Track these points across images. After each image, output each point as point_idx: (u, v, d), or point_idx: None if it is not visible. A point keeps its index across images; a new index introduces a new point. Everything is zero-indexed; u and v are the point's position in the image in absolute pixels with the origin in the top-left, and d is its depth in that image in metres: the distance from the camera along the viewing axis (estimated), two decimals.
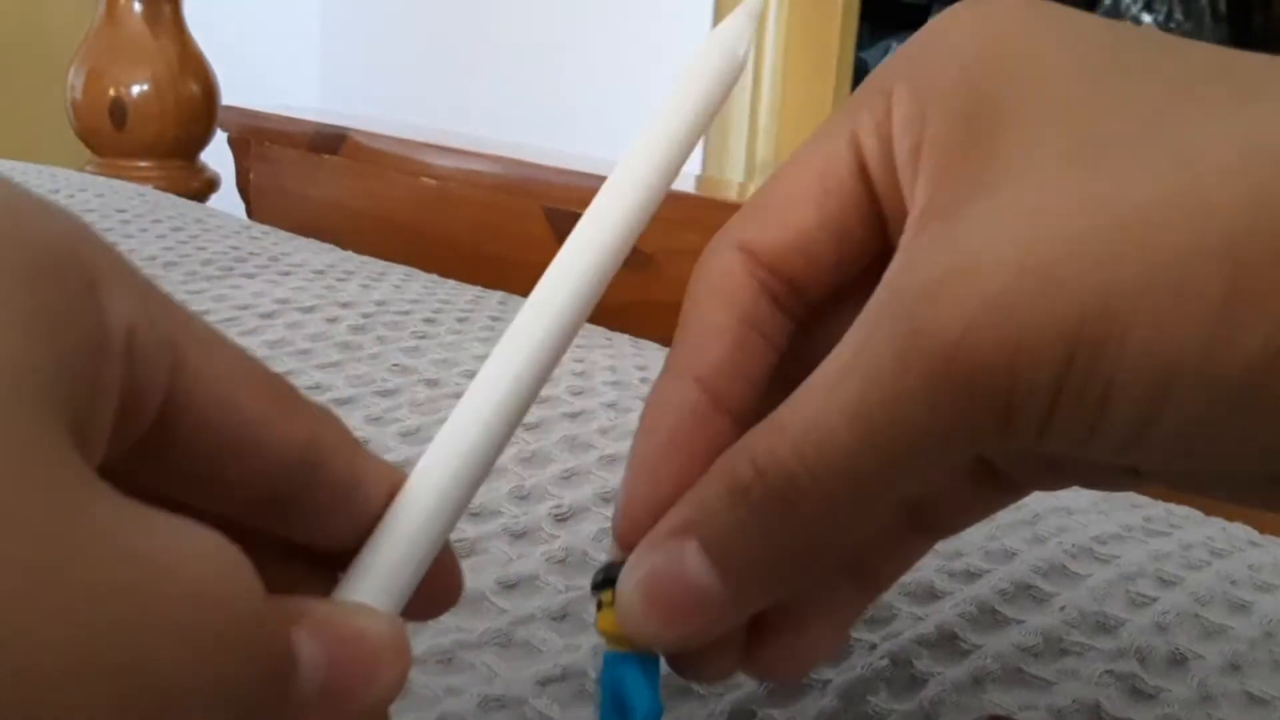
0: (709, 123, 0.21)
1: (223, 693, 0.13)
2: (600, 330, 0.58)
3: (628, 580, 0.20)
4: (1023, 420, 0.17)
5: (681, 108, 0.21)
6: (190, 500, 0.16)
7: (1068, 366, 0.16)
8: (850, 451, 0.17)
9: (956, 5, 0.21)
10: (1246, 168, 0.16)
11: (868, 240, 0.21)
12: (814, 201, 0.21)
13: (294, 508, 0.17)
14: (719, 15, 1.50)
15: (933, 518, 0.23)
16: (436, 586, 0.19)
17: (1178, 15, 2.09)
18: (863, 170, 0.20)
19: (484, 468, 0.18)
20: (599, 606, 0.20)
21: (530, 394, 0.19)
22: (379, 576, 0.17)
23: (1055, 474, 0.22)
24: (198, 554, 0.13)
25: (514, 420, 0.19)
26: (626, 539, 0.20)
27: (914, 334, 0.17)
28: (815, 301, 0.22)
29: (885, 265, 0.20)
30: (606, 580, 0.20)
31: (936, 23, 0.21)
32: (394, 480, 0.18)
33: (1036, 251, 0.16)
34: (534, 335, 0.19)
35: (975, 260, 0.17)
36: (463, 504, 0.18)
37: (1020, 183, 0.17)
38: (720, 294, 0.21)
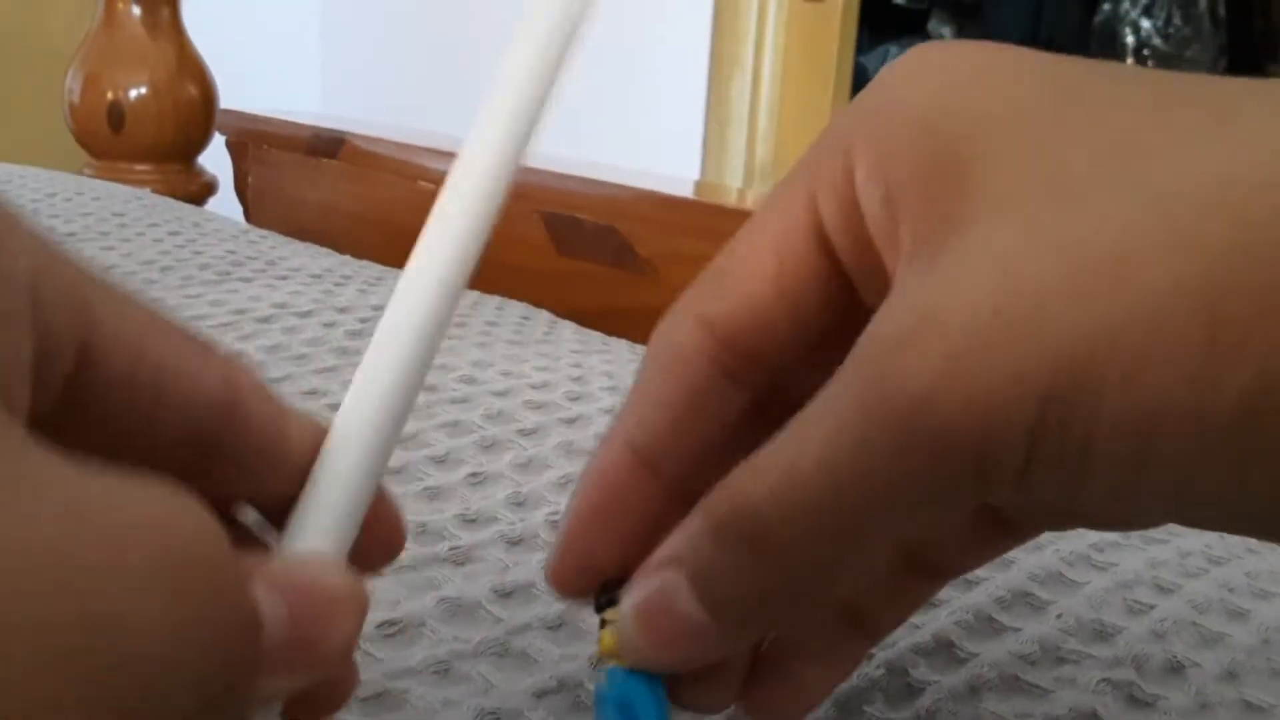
0: (563, 62, 0.19)
1: (198, 656, 0.12)
2: (597, 335, 0.58)
3: (625, 604, 0.20)
4: (998, 476, 0.16)
5: (528, 56, 0.19)
6: (114, 456, 0.16)
7: (1041, 421, 0.15)
8: (821, 499, 0.17)
9: (905, 56, 0.20)
10: (1222, 199, 0.15)
11: (832, 303, 0.21)
12: (769, 274, 0.20)
13: (218, 457, 0.17)
14: (719, 21, 1.51)
15: (935, 561, 0.23)
16: (378, 535, 0.19)
17: (1176, 20, 2.09)
18: (820, 235, 0.20)
19: (407, 405, 0.18)
20: (602, 624, 0.21)
21: (442, 324, 0.18)
22: (321, 525, 0.17)
23: (1059, 518, 0.22)
24: (155, 501, 0.13)
25: (430, 352, 0.18)
26: (555, 587, 0.22)
27: (879, 384, 0.16)
28: (777, 368, 0.21)
29: (859, 320, 0.20)
30: (610, 601, 0.21)
31: (886, 74, 0.20)
32: (316, 429, 0.18)
33: (1003, 300, 0.16)
34: (434, 271, 0.19)
35: (941, 310, 0.16)
36: (391, 443, 0.18)
37: (988, 225, 0.17)
38: (670, 367, 0.21)
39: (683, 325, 0.21)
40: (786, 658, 0.22)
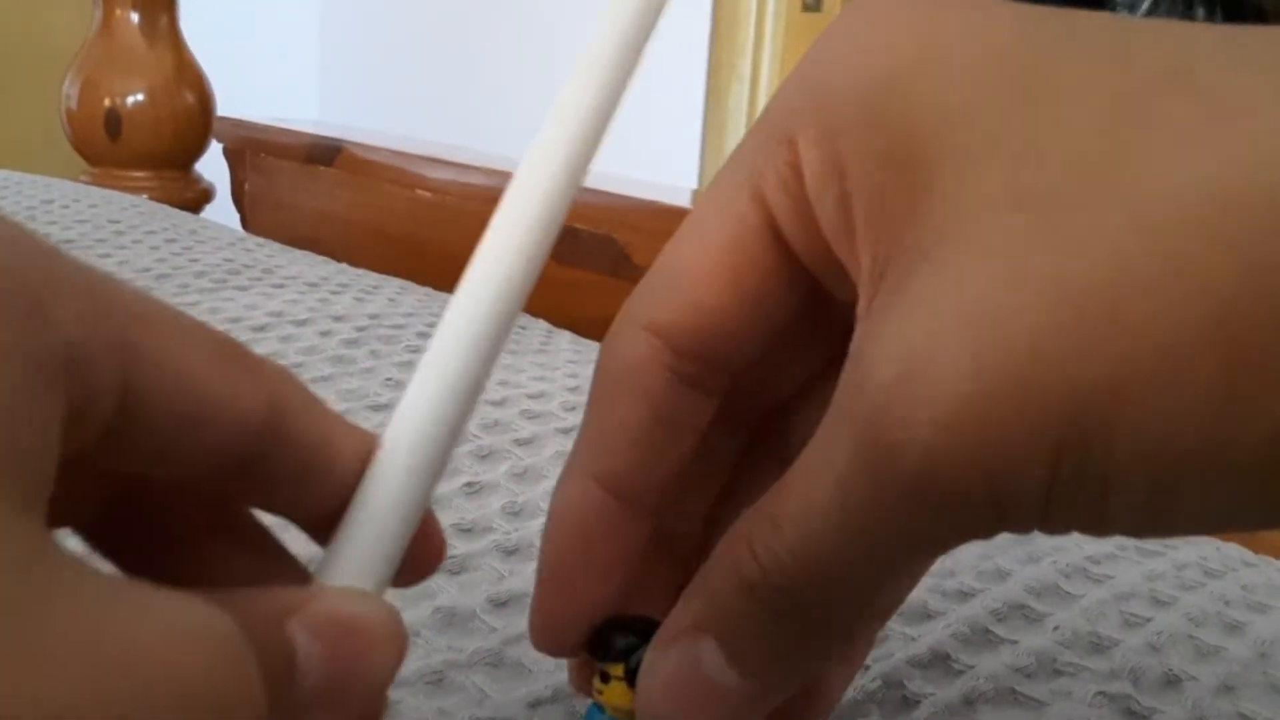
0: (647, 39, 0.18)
1: None
2: (594, 345, 0.58)
3: (651, 677, 0.19)
4: (1018, 519, 0.15)
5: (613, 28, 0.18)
6: (158, 474, 0.16)
7: (1053, 471, 0.14)
8: (845, 556, 0.17)
9: (845, 15, 0.18)
10: (1224, 221, 0.14)
11: (794, 295, 0.19)
12: (725, 278, 0.19)
13: (265, 475, 0.17)
14: (717, 30, 1.51)
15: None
16: (419, 551, 0.18)
17: None
18: (774, 232, 0.18)
19: (457, 428, 0.18)
20: (604, 678, 0.20)
21: (495, 348, 0.18)
22: (363, 552, 0.17)
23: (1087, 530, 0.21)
24: (175, 629, 0.12)
25: (482, 376, 0.18)
26: (541, 649, 0.21)
27: (875, 450, 0.15)
28: (740, 369, 0.20)
29: (825, 305, 0.19)
30: (618, 654, 0.20)
31: (826, 41, 0.18)
32: (365, 443, 0.17)
33: (993, 353, 0.14)
34: (490, 291, 0.18)
35: (925, 364, 0.15)
36: (440, 467, 0.17)
37: (960, 257, 0.15)
38: (628, 386, 0.19)
39: (633, 338, 0.19)
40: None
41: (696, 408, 0.20)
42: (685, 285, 0.19)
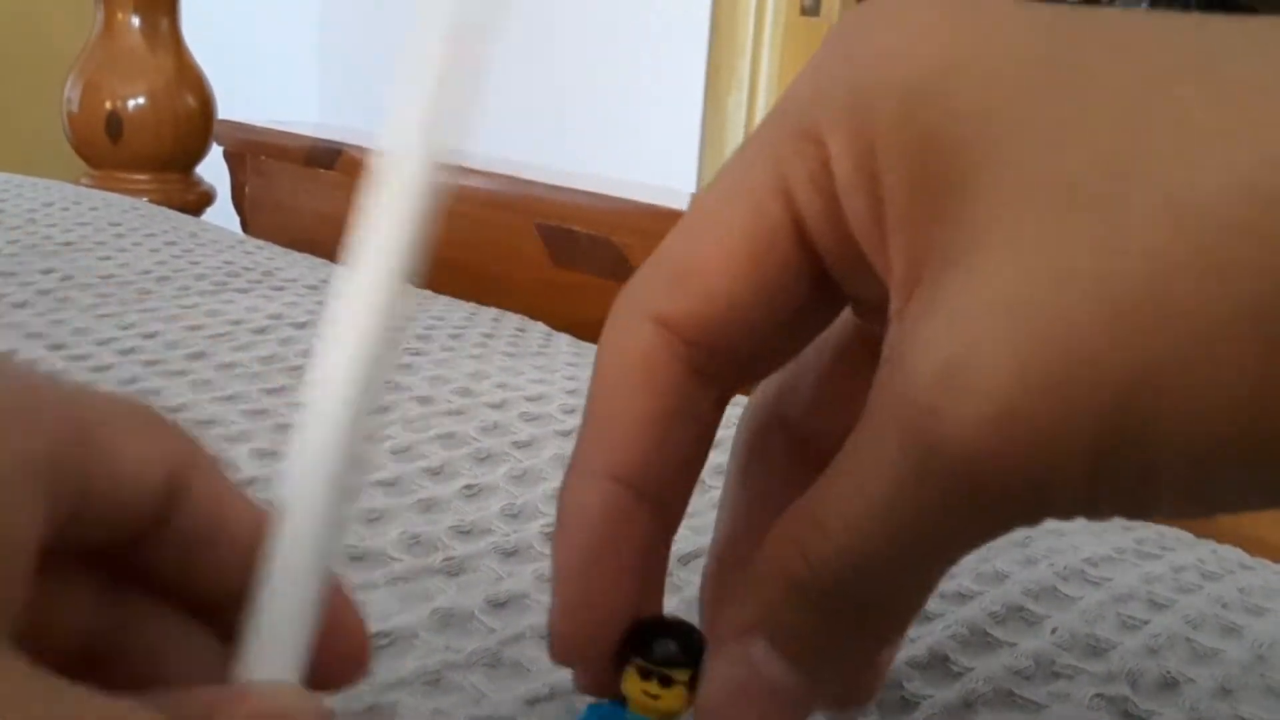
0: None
1: None
2: (593, 348, 0.57)
3: (710, 682, 0.19)
4: (1063, 508, 0.16)
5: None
6: (56, 545, 0.15)
7: (1097, 464, 0.15)
8: (892, 555, 0.17)
9: (869, 9, 0.18)
10: (1258, 216, 0.14)
11: (807, 290, 0.19)
12: (743, 269, 0.19)
13: (158, 548, 0.16)
14: (715, 35, 1.51)
15: None
16: (340, 650, 0.17)
17: None
18: (798, 228, 0.18)
19: (350, 489, 0.17)
20: (665, 681, 0.20)
21: (380, 367, 0.17)
22: (280, 639, 0.16)
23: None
24: None
25: (371, 401, 0.17)
26: (565, 659, 0.20)
27: (922, 449, 0.16)
28: (746, 358, 0.20)
29: (830, 298, 0.19)
30: (675, 659, 0.20)
31: (850, 36, 0.18)
32: (262, 518, 0.17)
33: (1032, 351, 0.15)
34: (362, 340, 0.17)
35: (967, 363, 0.15)
36: (341, 525, 0.17)
37: (997, 251, 0.15)
38: (639, 379, 0.19)
39: (640, 330, 0.19)
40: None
41: (705, 397, 0.20)
42: (696, 274, 0.19)
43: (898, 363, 0.16)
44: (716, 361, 0.20)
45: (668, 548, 0.21)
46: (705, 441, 0.21)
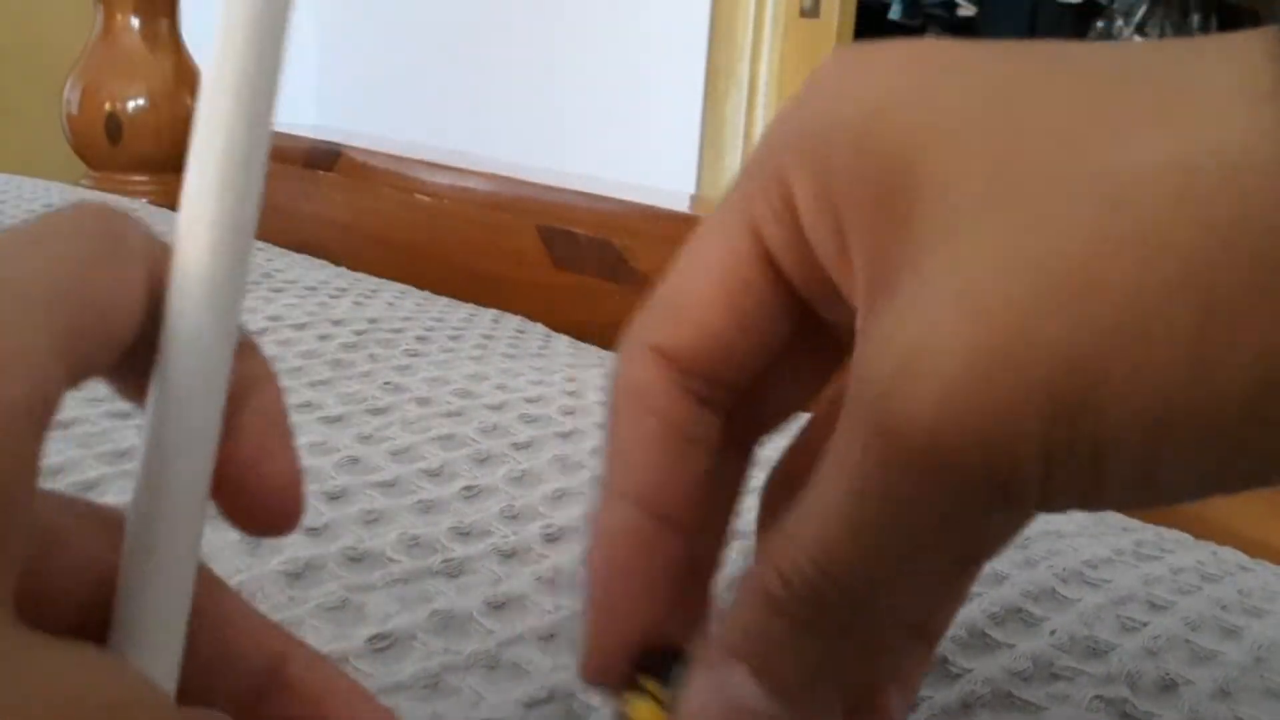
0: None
1: None
2: (593, 349, 0.58)
3: (686, 704, 0.19)
4: (1023, 493, 0.16)
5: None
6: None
7: (1048, 438, 0.15)
8: (864, 558, 0.17)
9: (826, 64, 0.20)
10: (1184, 186, 0.15)
11: (788, 320, 0.20)
12: (721, 303, 0.20)
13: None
14: (714, 36, 1.51)
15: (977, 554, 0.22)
16: (264, 493, 0.17)
17: (1170, 36, 2.11)
18: (768, 262, 0.20)
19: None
20: (642, 691, 0.20)
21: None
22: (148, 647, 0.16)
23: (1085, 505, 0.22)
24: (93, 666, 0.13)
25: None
26: (588, 678, 0.21)
27: (883, 436, 0.16)
28: (742, 387, 0.21)
29: (819, 328, 0.20)
30: (658, 672, 0.20)
31: (811, 87, 0.20)
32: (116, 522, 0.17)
33: (979, 333, 0.15)
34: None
35: (919, 352, 0.16)
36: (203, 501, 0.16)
37: (947, 252, 0.16)
38: (643, 404, 0.20)
39: (642, 362, 0.20)
40: (864, 694, 0.21)
41: (706, 422, 0.21)
42: (684, 309, 0.20)
43: (859, 365, 0.17)
44: (715, 389, 0.21)
45: (704, 575, 0.22)
46: (730, 482, 0.22)
